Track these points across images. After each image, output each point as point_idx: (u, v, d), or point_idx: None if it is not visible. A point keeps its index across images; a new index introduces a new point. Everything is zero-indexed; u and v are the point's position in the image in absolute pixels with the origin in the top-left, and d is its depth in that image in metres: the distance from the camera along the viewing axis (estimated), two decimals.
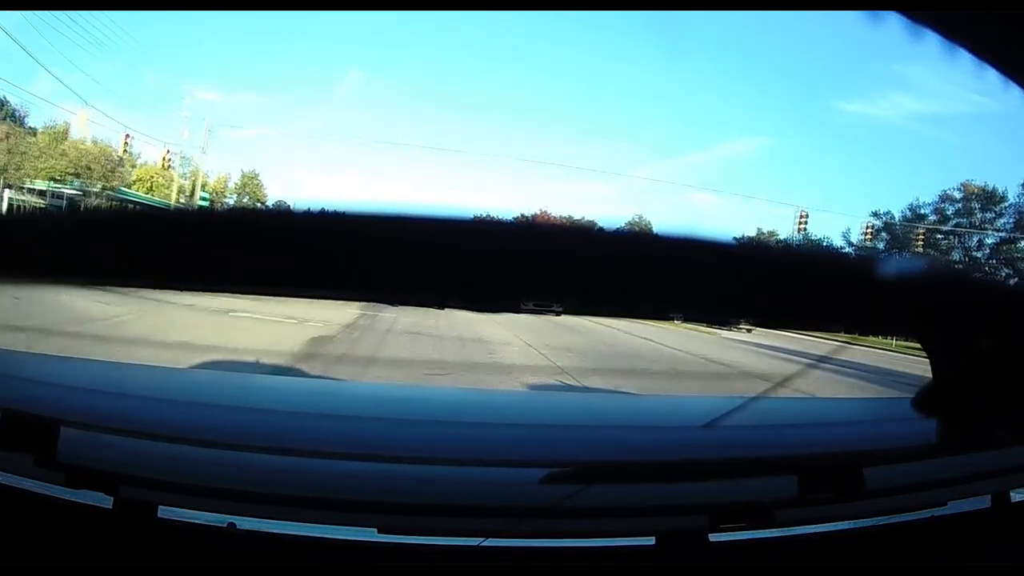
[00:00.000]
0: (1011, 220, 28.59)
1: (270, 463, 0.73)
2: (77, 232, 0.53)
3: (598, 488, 0.74)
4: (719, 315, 0.74)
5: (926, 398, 0.80)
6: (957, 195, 29.37)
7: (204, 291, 0.51)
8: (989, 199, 29.09)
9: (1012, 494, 0.86)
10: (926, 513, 0.85)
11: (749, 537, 0.78)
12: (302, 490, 0.72)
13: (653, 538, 0.76)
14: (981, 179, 28.77)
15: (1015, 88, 0.60)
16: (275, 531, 0.72)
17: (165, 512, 0.72)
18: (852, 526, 0.81)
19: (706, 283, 0.54)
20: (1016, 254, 28.49)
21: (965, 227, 29.44)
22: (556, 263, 0.50)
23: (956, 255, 28.87)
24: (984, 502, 0.86)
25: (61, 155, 23.00)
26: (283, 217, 0.53)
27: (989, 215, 29.28)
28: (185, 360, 3.69)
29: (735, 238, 0.56)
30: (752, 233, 30.85)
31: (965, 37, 0.61)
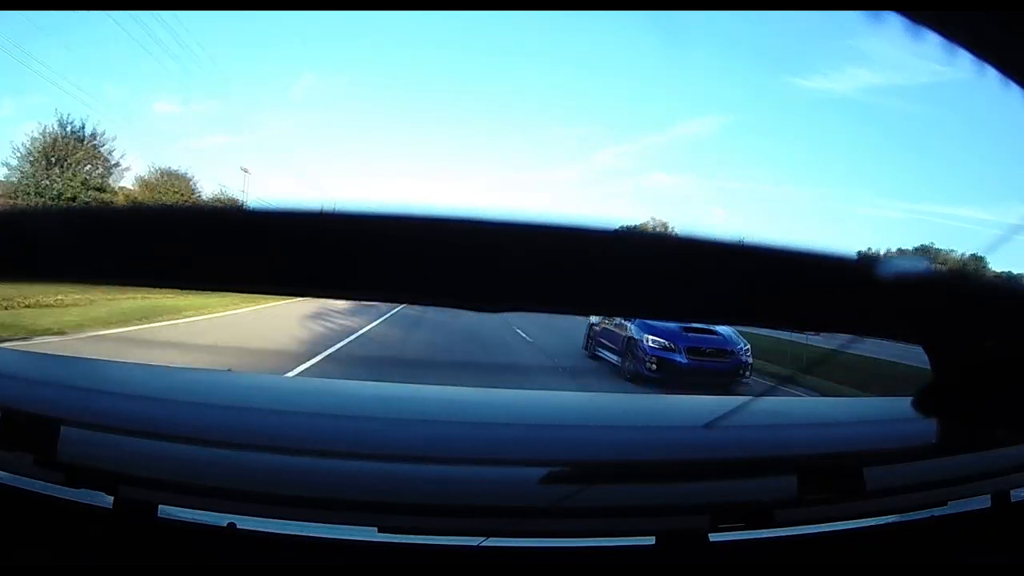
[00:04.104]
0: None
1: (270, 463, 0.73)
2: (73, 230, 0.53)
3: (598, 488, 0.73)
4: (718, 316, 0.74)
5: (926, 398, 0.80)
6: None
7: (201, 290, 0.50)
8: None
9: (1012, 494, 0.86)
10: (926, 513, 0.85)
11: (749, 537, 0.78)
12: (302, 490, 0.72)
13: (653, 538, 0.76)
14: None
15: (1015, 88, 0.60)
16: (275, 531, 0.72)
17: (165, 512, 0.72)
18: (852, 526, 0.81)
19: (709, 284, 0.54)
20: None
21: None
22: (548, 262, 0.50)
23: None
24: (984, 502, 0.86)
25: None
26: (264, 216, 0.53)
27: None
28: None
29: (726, 237, 0.55)
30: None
31: (965, 36, 0.61)
